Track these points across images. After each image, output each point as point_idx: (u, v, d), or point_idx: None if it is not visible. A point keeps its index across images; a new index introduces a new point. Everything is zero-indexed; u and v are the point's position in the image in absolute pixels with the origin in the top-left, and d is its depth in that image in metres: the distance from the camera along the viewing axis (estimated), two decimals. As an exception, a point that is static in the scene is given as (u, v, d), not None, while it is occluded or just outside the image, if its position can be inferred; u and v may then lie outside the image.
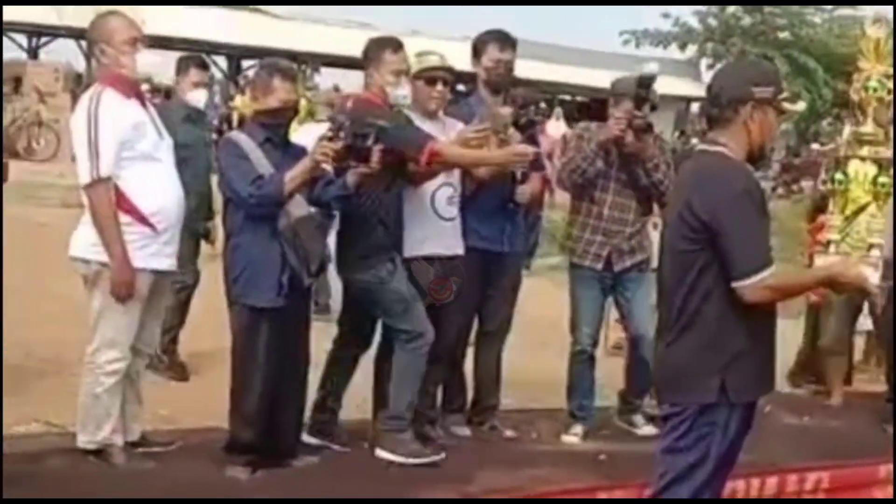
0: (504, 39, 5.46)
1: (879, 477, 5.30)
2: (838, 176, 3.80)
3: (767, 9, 30.12)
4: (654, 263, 5.26)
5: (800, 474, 5.04)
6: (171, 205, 4.73)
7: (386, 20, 24.22)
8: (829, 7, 30.70)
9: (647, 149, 5.44)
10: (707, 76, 31.37)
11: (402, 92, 4.91)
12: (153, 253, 4.66)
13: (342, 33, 23.59)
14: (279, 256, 4.58)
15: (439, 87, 5.10)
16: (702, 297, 3.43)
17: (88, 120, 4.52)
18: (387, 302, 4.91)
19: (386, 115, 4.76)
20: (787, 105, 3.55)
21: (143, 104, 4.79)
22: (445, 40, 18.60)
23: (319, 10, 26.68)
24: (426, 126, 4.99)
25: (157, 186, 4.66)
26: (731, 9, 30.91)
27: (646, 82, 5.39)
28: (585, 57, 29.09)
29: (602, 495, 4.52)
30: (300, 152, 4.71)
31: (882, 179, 3.77)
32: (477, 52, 5.47)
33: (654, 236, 5.79)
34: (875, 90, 3.73)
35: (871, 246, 3.76)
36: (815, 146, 25.29)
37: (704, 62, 31.22)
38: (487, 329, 5.67)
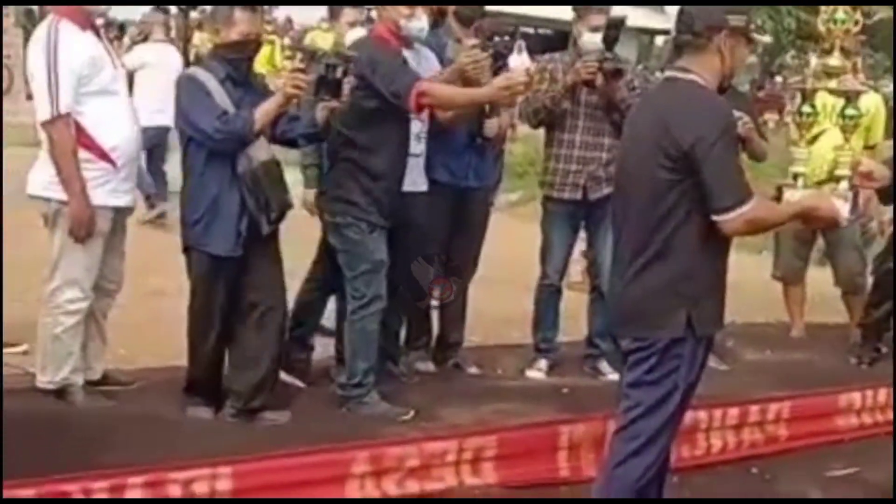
0: None
1: (840, 406, 5.35)
2: (805, 108, 3.75)
3: (731, -61, 29.88)
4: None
5: (761, 405, 5.07)
6: (130, 139, 4.67)
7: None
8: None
9: (617, 91, 5.37)
10: (669, 8, 31.15)
11: (418, 24, 4.76)
12: (113, 189, 4.61)
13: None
14: (238, 203, 4.45)
15: (419, 11, 4.94)
16: (674, 228, 3.37)
17: (47, 54, 4.42)
18: (353, 258, 4.76)
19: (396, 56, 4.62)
20: (756, 35, 3.49)
21: (98, 36, 4.68)
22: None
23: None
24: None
25: (115, 121, 4.58)
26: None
27: (616, 23, 5.34)
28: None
29: (564, 429, 4.51)
30: (262, 90, 4.55)
31: (849, 111, 3.73)
32: None
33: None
34: (843, 22, 3.68)
35: (839, 179, 3.72)
36: (778, 79, 25.26)
37: (668, -7, 30.97)
38: (454, 265, 5.62)
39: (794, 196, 3.67)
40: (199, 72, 4.57)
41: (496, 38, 5.38)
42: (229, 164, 4.45)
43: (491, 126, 5.41)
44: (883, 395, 5.41)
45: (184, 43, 22.26)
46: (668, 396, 3.47)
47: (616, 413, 3.67)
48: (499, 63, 5.41)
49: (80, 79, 4.46)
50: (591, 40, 5.36)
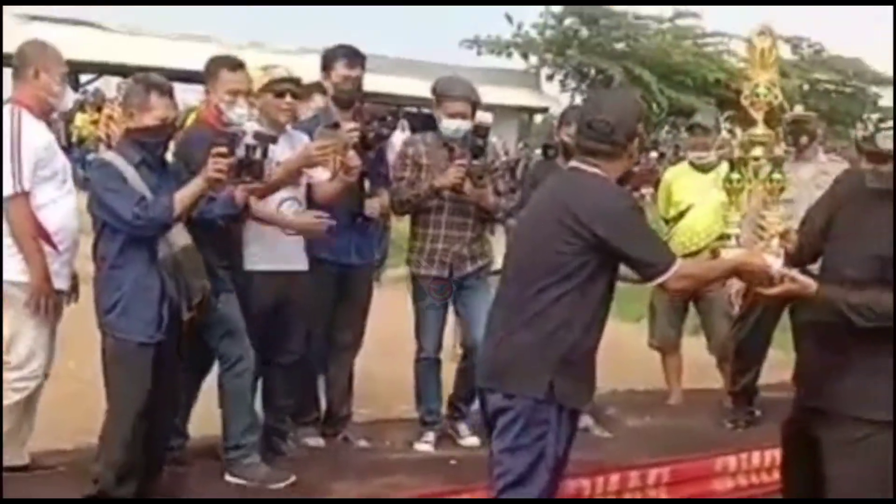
0: (353, 55, 5.50)
1: (716, 469, 5.55)
2: (734, 175, 4.01)
3: (603, 21, 30.93)
4: (496, 266, 5.42)
5: (641, 470, 5.23)
6: (72, 225, 4.79)
7: (225, 32, 24.01)
8: (669, 15, 31.70)
9: (486, 196, 5.60)
10: (546, 87, 32.03)
11: (238, 111, 4.83)
12: (55, 272, 4.69)
13: (180, 46, 23.14)
14: (158, 288, 4.39)
15: (288, 98, 5.08)
16: (555, 297, 3.58)
17: (12, 136, 4.59)
18: (210, 326, 4.73)
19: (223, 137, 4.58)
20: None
21: (49, 126, 4.90)
22: (284, 53, 18.61)
23: (156, 23, 26.19)
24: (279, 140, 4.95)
25: (61, 206, 4.70)
26: (568, 21, 31.58)
27: (481, 132, 5.56)
28: (427, 68, 29.33)
29: (453, 497, 4.59)
30: (175, 174, 4.54)
31: (776, 176, 3.98)
32: (326, 66, 5.50)
33: (494, 241, 5.97)
34: (765, 95, 3.95)
35: (771, 236, 3.94)
36: (653, 154, 26.08)
37: (544, 73, 31.85)
38: (339, 342, 5.72)
39: (730, 254, 3.89)
40: (113, 157, 4.48)
41: (375, 123, 5.52)
42: (146, 249, 4.38)
43: (372, 206, 5.54)
44: (756, 457, 5.62)
45: (66, 123, 22.04)
46: (539, 462, 3.59)
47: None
48: (379, 144, 5.56)
49: (37, 162, 4.62)
50: (449, 127, 5.53)
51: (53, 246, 4.69)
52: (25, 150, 4.60)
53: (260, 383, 5.16)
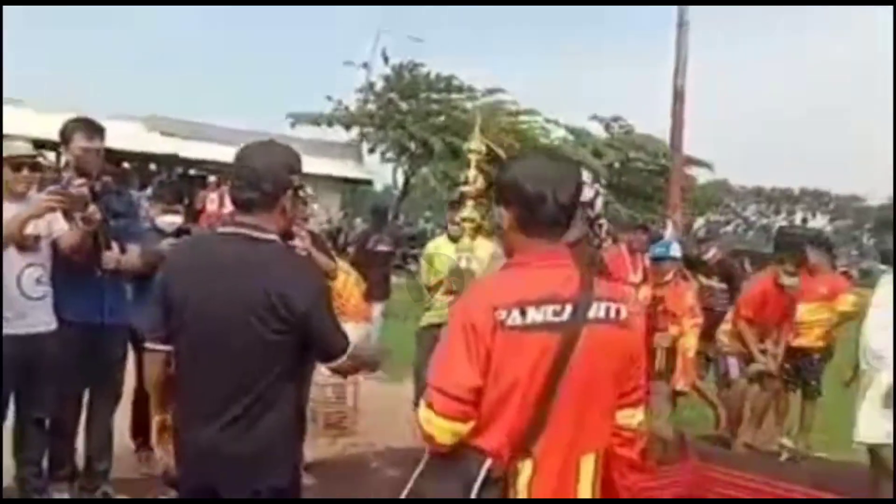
0: (92, 128, 5.63)
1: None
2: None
3: (423, 94, 31.75)
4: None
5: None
6: None
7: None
8: (479, 92, 32.82)
9: None
10: (368, 159, 32.57)
11: None
12: None
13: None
14: None
15: (25, 171, 5.35)
16: (275, 381, 3.46)
17: None
18: None
19: None
20: (303, 193, 3.95)
21: None
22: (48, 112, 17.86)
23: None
24: (14, 206, 5.22)
25: None
26: (390, 94, 32.29)
27: None
28: (247, 136, 29.51)
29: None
30: None
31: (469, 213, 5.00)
32: (65, 139, 5.59)
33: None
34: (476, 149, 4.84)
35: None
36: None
37: (365, 145, 32.39)
38: (95, 399, 5.92)
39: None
40: None
41: (103, 177, 5.70)
42: None
43: (108, 258, 5.61)
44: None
45: None
46: None
47: None
48: (107, 195, 5.69)
49: None
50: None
51: None
52: None
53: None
